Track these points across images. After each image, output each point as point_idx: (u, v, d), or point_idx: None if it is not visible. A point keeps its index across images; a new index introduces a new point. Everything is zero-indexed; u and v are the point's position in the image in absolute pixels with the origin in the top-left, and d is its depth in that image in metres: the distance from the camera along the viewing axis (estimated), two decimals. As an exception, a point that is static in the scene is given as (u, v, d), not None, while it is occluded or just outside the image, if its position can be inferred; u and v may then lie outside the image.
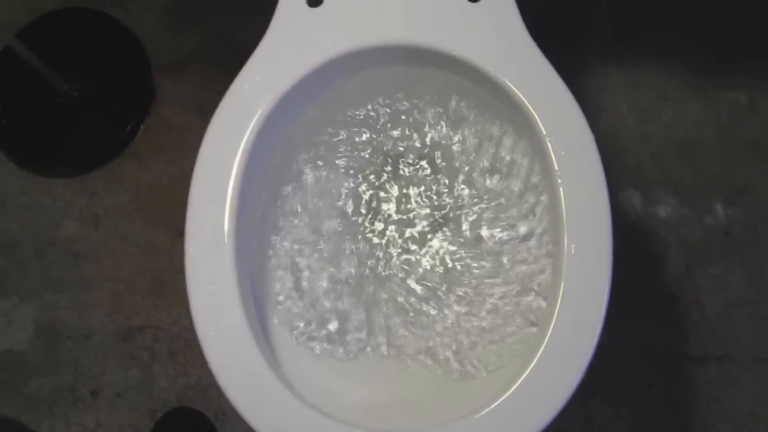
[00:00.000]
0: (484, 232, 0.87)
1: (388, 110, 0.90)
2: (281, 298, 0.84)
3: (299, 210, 0.88)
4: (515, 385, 0.68)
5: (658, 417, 1.11)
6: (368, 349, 0.85)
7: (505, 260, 0.85)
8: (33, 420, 1.20)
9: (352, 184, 0.90)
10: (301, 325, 0.84)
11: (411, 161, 0.91)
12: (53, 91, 1.27)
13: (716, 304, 1.13)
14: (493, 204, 0.87)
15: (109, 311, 1.23)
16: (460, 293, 0.85)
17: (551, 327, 0.70)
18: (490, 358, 0.81)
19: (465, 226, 0.88)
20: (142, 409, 1.20)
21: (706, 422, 1.10)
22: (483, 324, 0.83)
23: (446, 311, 0.85)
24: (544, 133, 0.74)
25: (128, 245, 1.24)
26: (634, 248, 1.15)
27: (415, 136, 0.91)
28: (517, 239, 0.85)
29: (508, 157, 0.86)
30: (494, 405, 0.68)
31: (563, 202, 0.73)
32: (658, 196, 1.17)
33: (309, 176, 0.89)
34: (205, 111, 1.25)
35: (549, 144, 0.74)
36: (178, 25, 1.35)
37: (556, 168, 0.73)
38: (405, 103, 0.89)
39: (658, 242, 1.15)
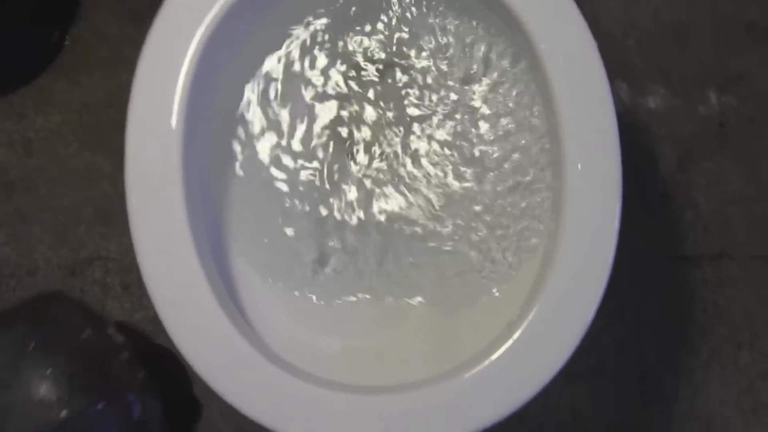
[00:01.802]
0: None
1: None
2: (244, 227, 0.74)
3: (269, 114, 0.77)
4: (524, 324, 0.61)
5: (652, 324, 1.05)
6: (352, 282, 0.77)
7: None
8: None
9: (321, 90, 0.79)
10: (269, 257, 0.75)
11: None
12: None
13: (711, 201, 1.06)
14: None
15: (52, 245, 1.11)
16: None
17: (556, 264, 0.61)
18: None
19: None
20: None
21: (704, 327, 1.04)
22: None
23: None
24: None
25: (66, 171, 1.12)
26: (622, 144, 1.06)
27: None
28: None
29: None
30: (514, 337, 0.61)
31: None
32: (647, 86, 1.07)
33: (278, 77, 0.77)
34: (140, 18, 1.11)
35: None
36: None
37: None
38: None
39: (648, 136, 1.07)
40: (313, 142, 0.78)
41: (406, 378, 0.65)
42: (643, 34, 1.09)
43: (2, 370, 0.43)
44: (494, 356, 0.62)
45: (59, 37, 1.13)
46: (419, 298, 0.76)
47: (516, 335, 0.63)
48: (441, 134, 0.78)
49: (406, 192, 0.78)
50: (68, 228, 1.11)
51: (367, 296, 0.76)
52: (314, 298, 0.76)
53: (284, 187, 0.77)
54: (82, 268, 1.11)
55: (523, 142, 0.75)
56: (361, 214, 0.78)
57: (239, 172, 0.76)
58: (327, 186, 0.77)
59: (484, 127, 0.77)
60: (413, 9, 0.78)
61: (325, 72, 0.78)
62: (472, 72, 0.78)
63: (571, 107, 0.66)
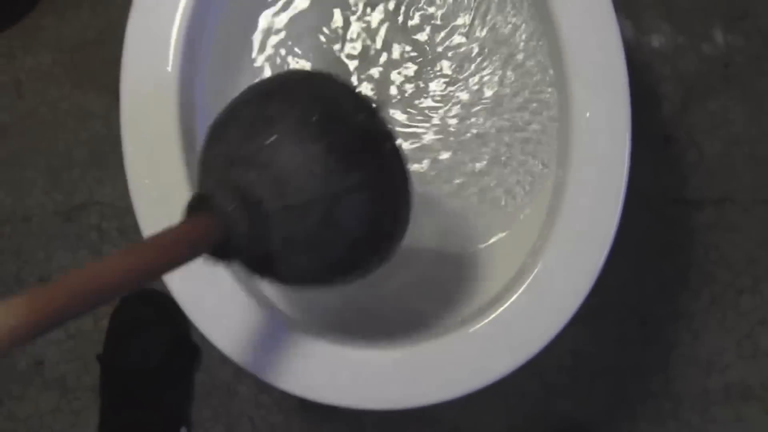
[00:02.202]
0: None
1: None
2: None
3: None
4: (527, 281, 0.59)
5: (653, 267, 1.03)
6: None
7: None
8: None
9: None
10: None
11: None
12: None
13: (715, 143, 1.03)
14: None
15: (46, 189, 1.10)
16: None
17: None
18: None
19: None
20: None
21: (705, 269, 1.03)
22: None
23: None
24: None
25: (58, 113, 1.10)
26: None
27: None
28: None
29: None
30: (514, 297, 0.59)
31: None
32: (651, 23, 1.04)
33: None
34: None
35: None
36: None
37: None
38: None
39: (651, 76, 1.04)
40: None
41: (416, 328, 0.64)
42: (648, -30, 1.06)
43: (287, 136, 0.43)
44: (506, 304, 0.60)
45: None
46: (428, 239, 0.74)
47: (526, 283, 0.61)
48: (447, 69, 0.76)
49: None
50: (62, 172, 1.10)
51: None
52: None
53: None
54: (77, 213, 1.10)
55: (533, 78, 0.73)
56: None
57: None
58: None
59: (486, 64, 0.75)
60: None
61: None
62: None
63: (578, 46, 0.63)
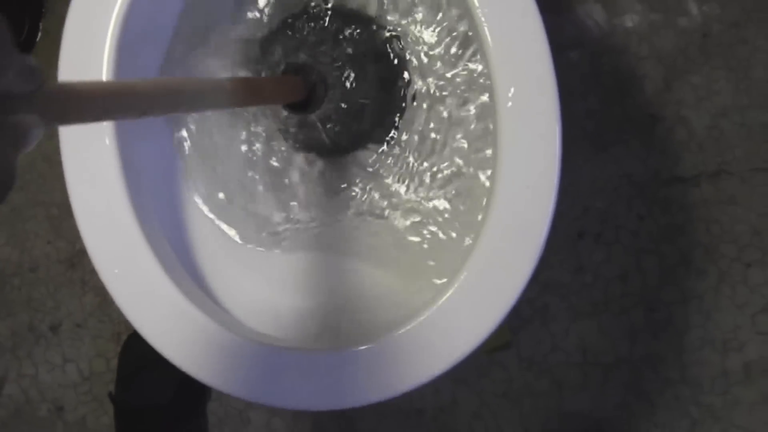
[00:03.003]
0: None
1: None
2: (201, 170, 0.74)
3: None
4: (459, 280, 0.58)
5: (654, 251, 1.00)
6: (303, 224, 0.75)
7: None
8: (-2, 365, 1.13)
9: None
10: (221, 196, 0.74)
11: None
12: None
13: (703, 117, 1.00)
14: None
15: (49, 239, 1.13)
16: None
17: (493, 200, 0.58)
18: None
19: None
20: (106, 336, 1.12)
21: (708, 247, 0.99)
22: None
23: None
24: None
25: (54, 165, 1.13)
26: (602, 69, 1.02)
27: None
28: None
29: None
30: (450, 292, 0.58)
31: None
32: (623, 4, 1.02)
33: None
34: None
35: None
36: None
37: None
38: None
39: (629, 58, 1.02)
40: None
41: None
42: (613, -48, 1.04)
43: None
44: (440, 301, 0.59)
45: (30, 31, 1.13)
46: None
47: (456, 285, 0.59)
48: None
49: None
50: (63, 221, 1.13)
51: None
52: (269, 250, 0.74)
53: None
54: (80, 259, 1.12)
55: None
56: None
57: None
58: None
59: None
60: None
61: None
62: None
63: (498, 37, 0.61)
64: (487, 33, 0.59)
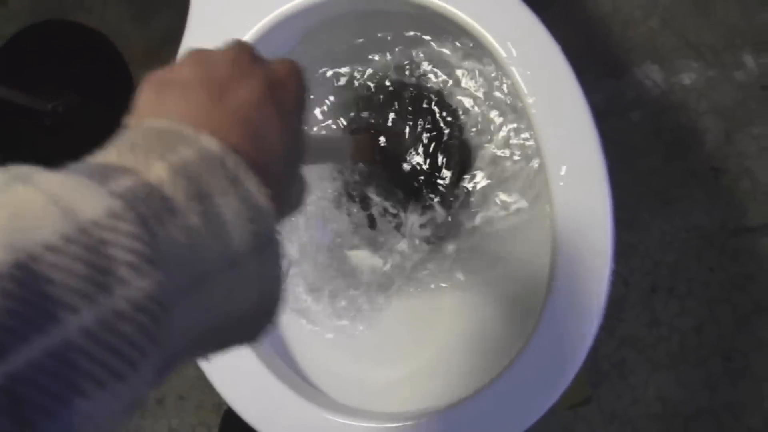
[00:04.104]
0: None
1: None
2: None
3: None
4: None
5: (727, 300, 1.02)
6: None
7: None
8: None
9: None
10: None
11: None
12: (39, 114, 1.24)
13: (765, 167, 1.02)
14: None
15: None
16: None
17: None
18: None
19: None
20: (207, 406, 1.19)
21: (780, 295, 1.01)
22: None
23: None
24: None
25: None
26: (664, 127, 1.05)
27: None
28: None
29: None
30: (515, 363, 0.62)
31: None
32: (679, 64, 1.05)
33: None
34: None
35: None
36: (143, 12, 1.29)
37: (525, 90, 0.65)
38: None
39: (689, 114, 1.05)
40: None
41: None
42: (665, 12, 1.07)
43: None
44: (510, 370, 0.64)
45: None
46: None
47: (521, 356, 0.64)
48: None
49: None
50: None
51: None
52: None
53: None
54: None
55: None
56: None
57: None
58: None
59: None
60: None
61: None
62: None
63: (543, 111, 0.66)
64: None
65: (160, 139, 0.28)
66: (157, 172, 0.26)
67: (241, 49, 0.35)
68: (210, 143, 0.28)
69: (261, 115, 0.32)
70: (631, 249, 1.05)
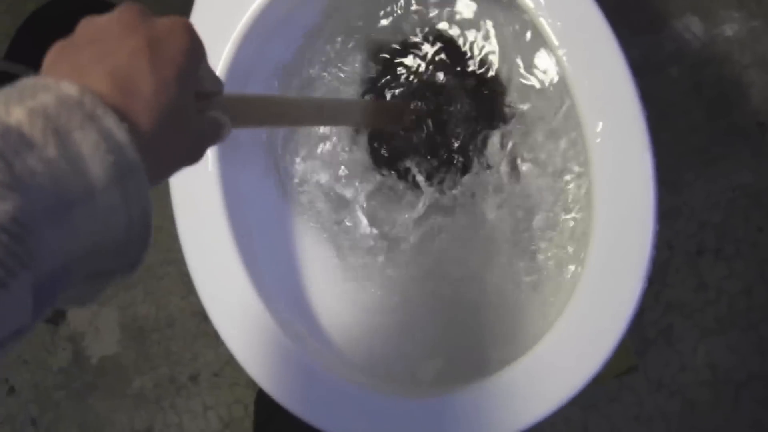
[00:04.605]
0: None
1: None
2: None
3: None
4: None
5: (778, 261, 0.98)
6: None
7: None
8: (146, 416, 1.21)
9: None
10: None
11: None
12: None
13: (816, 118, 0.97)
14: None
15: (183, 294, 1.21)
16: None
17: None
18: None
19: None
20: (242, 383, 1.18)
21: (835, 253, 0.96)
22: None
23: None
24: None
25: (180, 225, 1.21)
26: (705, 82, 1.01)
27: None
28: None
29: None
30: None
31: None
32: (721, 14, 1.01)
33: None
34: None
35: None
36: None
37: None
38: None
39: (732, 66, 1.00)
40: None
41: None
42: (706, -39, 1.02)
43: None
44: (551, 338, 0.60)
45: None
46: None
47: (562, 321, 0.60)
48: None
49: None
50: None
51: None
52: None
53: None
54: (211, 312, 1.19)
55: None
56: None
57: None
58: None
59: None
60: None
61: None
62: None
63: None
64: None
65: (22, 90, 0.31)
66: (16, 116, 0.29)
67: (126, 9, 0.38)
68: (69, 89, 0.31)
69: (133, 67, 0.35)
70: (674, 211, 1.01)
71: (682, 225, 1.01)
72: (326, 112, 0.64)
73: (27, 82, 0.32)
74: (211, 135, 0.44)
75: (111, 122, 0.31)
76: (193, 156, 0.41)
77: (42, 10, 1.29)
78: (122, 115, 0.33)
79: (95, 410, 1.23)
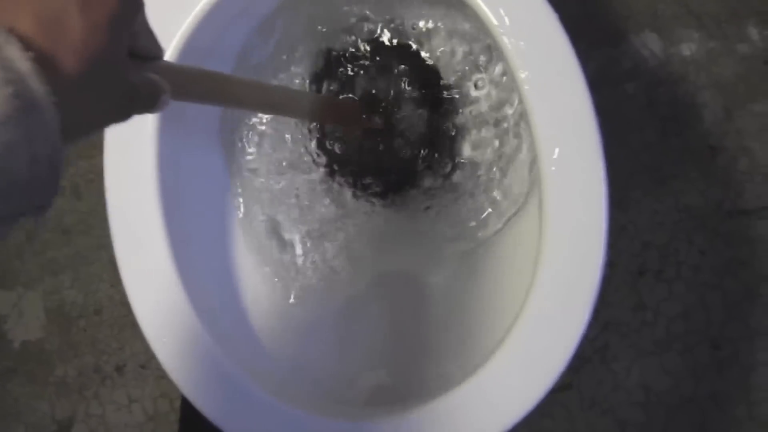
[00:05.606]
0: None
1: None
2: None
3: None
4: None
5: (718, 286, 0.97)
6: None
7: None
8: (68, 405, 1.16)
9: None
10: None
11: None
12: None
13: (765, 146, 0.96)
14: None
15: (112, 282, 1.16)
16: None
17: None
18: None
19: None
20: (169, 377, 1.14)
21: (774, 282, 0.96)
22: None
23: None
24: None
25: (113, 210, 1.16)
26: (660, 100, 0.99)
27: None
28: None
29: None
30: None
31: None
32: (679, 33, 0.99)
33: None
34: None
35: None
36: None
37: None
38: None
39: (687, 87, 0.99)
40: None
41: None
42: (668, -22, 1.01)
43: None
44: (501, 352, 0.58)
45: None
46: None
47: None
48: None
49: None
50: (124, 264, 1.15)
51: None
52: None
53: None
54: (142, 301, 1.15)
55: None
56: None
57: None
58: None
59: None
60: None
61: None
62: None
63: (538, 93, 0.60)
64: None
65: None
66: None
67: None
68: None
69: (61, 8, 0.34)
70: (619, 229, 1.00)
71: (626, 244, 0.99)
72: (274, 98, 0.63)
73: None
74: (146, 97, 0.42)
75: (13, 52, 0.30)
76: (122, 113, 0.40)
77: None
78: (45, 57, 0.32)
79: (14, 395, 1.18)
